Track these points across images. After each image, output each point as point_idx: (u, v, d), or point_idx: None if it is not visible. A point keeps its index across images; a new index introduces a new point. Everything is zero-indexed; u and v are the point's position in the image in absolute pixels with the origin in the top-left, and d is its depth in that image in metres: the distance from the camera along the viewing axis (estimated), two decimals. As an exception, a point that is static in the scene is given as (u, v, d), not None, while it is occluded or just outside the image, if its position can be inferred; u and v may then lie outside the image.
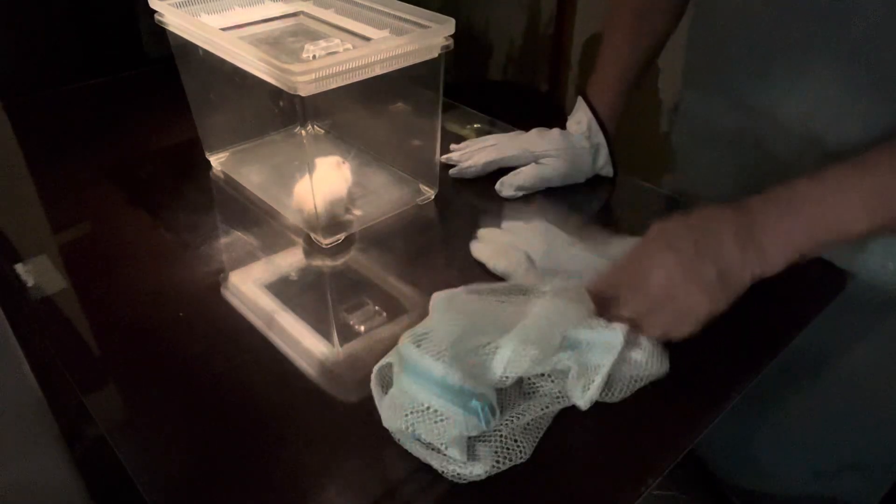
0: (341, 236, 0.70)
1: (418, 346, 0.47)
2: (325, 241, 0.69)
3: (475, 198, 0.78)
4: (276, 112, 0.78)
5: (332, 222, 0.70)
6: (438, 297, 0.52)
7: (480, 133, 0.89)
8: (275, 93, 0.60)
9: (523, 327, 0.49)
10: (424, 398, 0.44)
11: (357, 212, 0.74)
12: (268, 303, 0.62)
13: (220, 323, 0.60)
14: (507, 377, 0.47)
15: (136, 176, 0.85)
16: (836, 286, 0.64)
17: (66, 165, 0.85)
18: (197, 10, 0.74)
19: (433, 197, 0.77)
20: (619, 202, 0.80)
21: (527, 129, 0.81)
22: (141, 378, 0.55)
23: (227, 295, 0.63)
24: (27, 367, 0.66)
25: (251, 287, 0.64)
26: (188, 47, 0.71)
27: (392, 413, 0.46)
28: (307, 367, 0.55)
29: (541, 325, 0.49)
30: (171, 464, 0.48)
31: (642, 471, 0.46)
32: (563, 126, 0.79)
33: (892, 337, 0.71)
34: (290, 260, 0.69)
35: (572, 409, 0.50)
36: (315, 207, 0.67)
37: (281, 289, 0.64)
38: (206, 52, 0.68)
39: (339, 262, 0.68)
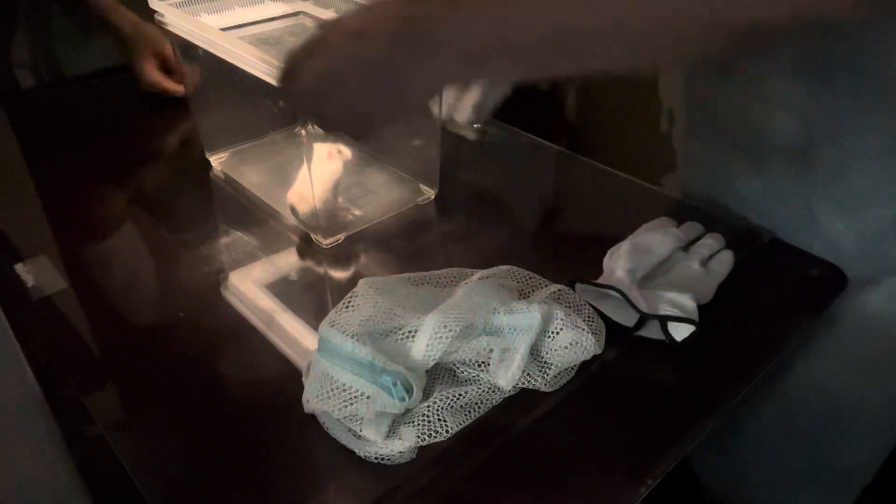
0: (341, 236, 0.70)
1: (333, 326, 0.48)
2: (325, 242, 0.69)
3: (475, 198, 0.78)
4: (276, 112, 0.78)
5: (331, 220, 0.70)
6: (362, 282, 0.53)
7: (481, 133, 0.89)
8: (275, 93, 0.60)
9: (445, 307, 0.50)
10: (336, 374, 0.46)
11: (357, 212, 0.74)
12: (268, 303, 0.62)
13: (220, 323, 0.60)
14: (429, 357, 0.48)
15: (136, 175, 0.85)
16: (836, 286, 0.64)
17: (66, 165, 0.85)
18: (197, 10, 0.74)
19: (433, 197, 0.77)
20: (619, 202, 0.80)
21: (526, 128, 0.81)
22: (141, 378, 0.55)
23: (227, 295, 0.63)
24: (27, 367, 0.66)
25: (251, 287, 0.64)
26: (188, 47, 0.71)
27: (311, 395, 0.48)
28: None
29: (462, 307, 0.50)
30: (171, 464, 0.48)
31: (642, 471, 0.46)
32: None
33: (856, 353, 0.71)
34: (290, 260, 0.69)
35: (570, 411, 0.50)
36: (315, 206, 0.67)
37: (281, 289, 0.64)
38: (206, 52, 0.68)
39: (339, 262, 0.68)
